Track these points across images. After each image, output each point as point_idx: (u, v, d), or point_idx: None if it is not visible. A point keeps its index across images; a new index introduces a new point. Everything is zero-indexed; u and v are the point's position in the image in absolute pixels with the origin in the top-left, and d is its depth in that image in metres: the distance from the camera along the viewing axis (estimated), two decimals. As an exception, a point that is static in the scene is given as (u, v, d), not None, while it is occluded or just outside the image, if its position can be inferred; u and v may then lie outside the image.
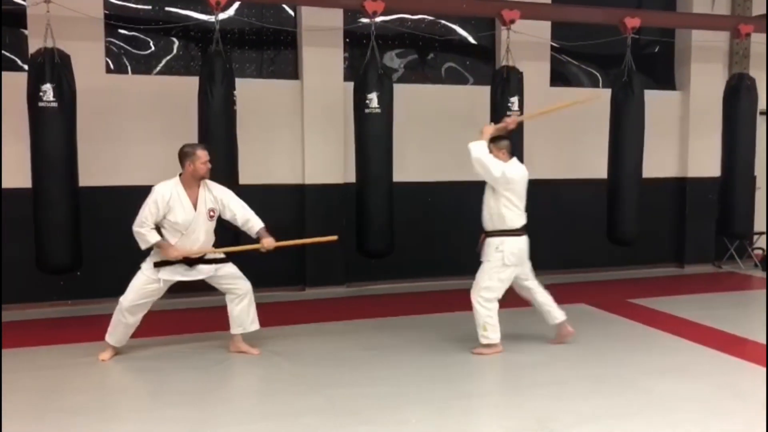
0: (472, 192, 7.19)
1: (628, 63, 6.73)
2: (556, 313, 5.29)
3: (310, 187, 7.31)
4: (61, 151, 5.48)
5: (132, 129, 6.78)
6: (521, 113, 6.37)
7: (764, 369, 4.64)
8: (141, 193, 6.76)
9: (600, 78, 8.77)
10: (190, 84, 6.00)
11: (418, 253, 7.63)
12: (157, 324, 6.09)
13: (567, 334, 5.33)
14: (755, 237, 8.80)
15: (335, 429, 3.83)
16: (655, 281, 8.13)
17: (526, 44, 7.06)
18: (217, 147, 5.61)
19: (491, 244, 5.09)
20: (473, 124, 7.15)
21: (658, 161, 8.23)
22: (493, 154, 5.06)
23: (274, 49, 7.57)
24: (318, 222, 7.36)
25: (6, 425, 3.84)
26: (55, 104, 5.38)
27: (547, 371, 4.77)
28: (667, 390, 4.38)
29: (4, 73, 6.40)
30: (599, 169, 7.21)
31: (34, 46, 5.75)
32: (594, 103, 6.00)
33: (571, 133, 8.20)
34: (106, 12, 6.74)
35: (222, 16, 6.02)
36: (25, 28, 6.42)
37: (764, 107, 8.18)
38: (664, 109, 8.44)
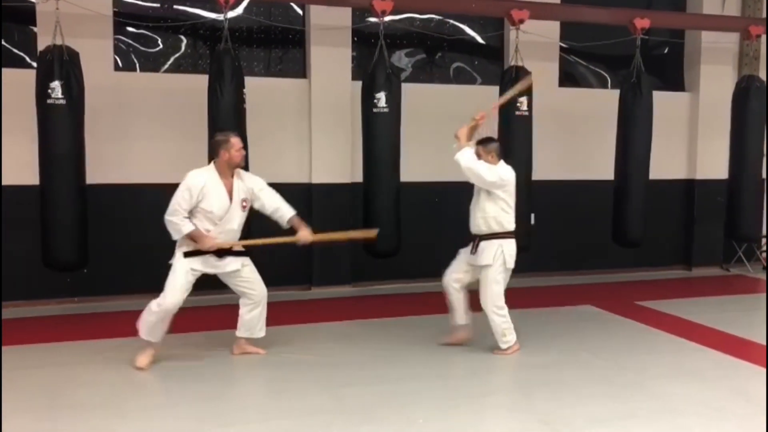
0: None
1: (637, 64, 6.70)
2: (459, 317, 5.21)
3: (317, 186, 7.30)
4: (69, 148, 5.49)
5: (140, 127, 6.79)
6: (530, 111, 6.34)
7: (773, 373, 4.62)
8: (148, 190, 6.85)
9: (609, 79, 8.73)
10: (199, 82, 6.00)
11: (425, 254, 7.61)
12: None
13: (463, 340, 5.26)
14: (764, 240, 8.75)
15: (343, 428, 3.82)
16: (663, 284, 8.09)
17: (535, 44, 7.04)
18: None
19: (489, 248, 4.98)
20: (481, 125, 7.18)
21: (667, 163, 8.19)
22: (482, 158, 4.98)
23: (282, 47, 7.57)
24: (325, 222, 7.32)
25: (14, 421, 3.85)
26: (63, 101, 5.39)
27: (555, 373, 4.75)
28: (675, 393, 4.36)
29: (13, 70, 6.43)
30: (607, 171, 7.18)
31: (43, 43, 5.76)
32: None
33: (578, 134, 8.17)
34: (115, 9, 6.74)
35: (230, 14, 6.02)
36: (35, 25, 6.43)
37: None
38: (673, 111, 8.40)
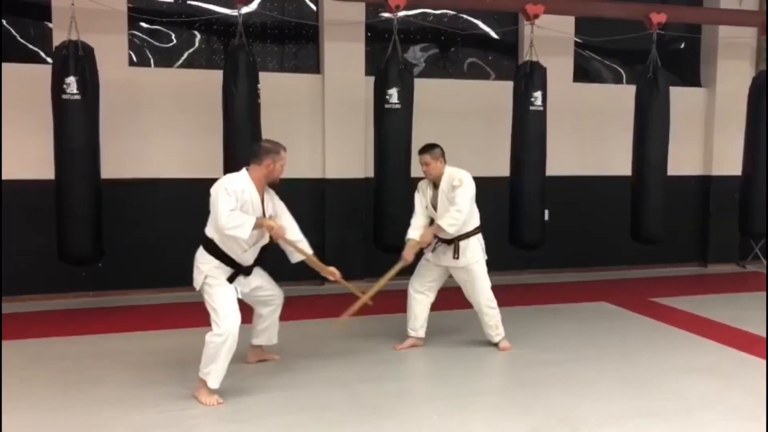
0: (492, 188, 7.17)
1: (653, 59, 6.63)
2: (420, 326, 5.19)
3: (331, 181, 7.30)
4: (84, 143, 5.51)
5: (154, 122, 6.81)
6: (544, 107, 6.31)
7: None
8: (163, 185, 6.90)
9: (624, 74, 8.66)
10: (212, 77, 6.01)
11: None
12: (180, 316, 6.14)
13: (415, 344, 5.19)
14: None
15: (357, 424, 3.83)
16: (678, 280, 8.04)
17: (550, 39, 6.99)
18: (241, 141, 5.62)
19: (471, 246, 4.94)
20: (495, 120, 7.16)
21: (683, 159, 8.12)
22: (431, 165, 4.91)
23: (296, 43, 7.56)
24: (338, 216, 7.36)
25: (34, 414, 3.90)
26: (78, 97, 5.41)
27: (569, 370, 4.73)
28: (692, 391, 4.32)
29: (28, 66, 6.48)
30: (621, 167, 7.13)
31: (58, 38, 5.79)
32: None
33: (595, 130, 8.11)
34: (130, 5, 6.76)
35: (244, 9, 6.02)
36: (50, 21, 6.47)
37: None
38: (689, 106, 8.32)
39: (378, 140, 6.19)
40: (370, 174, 6.52)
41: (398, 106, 5.99)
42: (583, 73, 8.35)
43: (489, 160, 7.37)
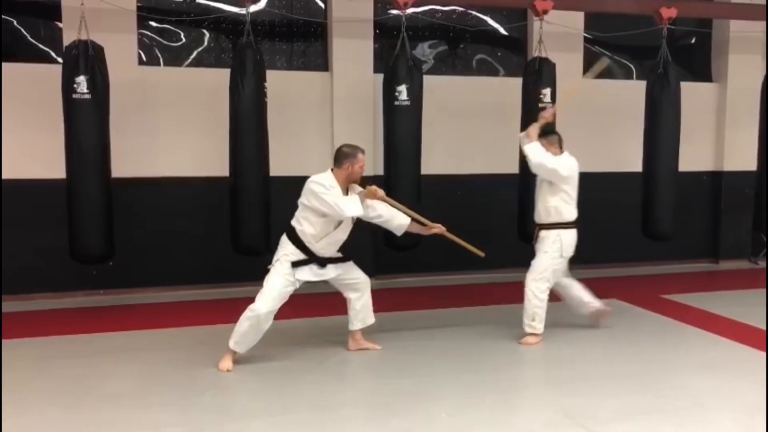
0: (502, 185, 7.18)
1: (663, 54, 6.59)
2: (590, 303, 5.40)
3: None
4: (95, 142, 5.54)
5: (163, 120, 6.84)
6: (553, 104, 6.28)
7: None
8: (173, 183, 6.92)
9: (634, 69, 8.61)
10: (221, 76, 6.02)
11: (446, 247, 7.56)
12: (190, 314, 6.17)
13: (604, 315, 5.45)
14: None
15: (367, 421, 3.83)
16: (689, 277, 7.99)
17: (559, 35, 6.96)
18: (248, 139, 5.65)
19: (548, 236, 5.17)
20: (504, 117, 7.13)
21: (694, 154, 8.07)
22: (553, 148, 5.16)
23: (304, 40, 7.57)
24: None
25: (45, 411, 3.92)
26: (88, 96, 5.44)
27: (579, 366, 4.71)
28: (703, 388, 4.30)
29: (39, 66, 6.52)
30: (632, 163, 7.09)
31: (68, 38, 5.82)
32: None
33: (605, 126, 8.07)
34: (139, 4, 6.79)
35: (253, 8, 6.03)
36: (60, 20, 6.50)
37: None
38: (701, 101, 8.26)
39: (387, 137, 6.18)
40: (380, 171, 6.52)
41: (408, 103, 5.99)
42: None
43: (498, 156, 7.36)
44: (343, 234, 4.77)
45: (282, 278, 4.61)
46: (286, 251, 4.66)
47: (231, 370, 4.55)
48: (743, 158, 8.26)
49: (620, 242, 8.09)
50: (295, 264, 4.63)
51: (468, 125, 7.60)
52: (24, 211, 6.45)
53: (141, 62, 6.92)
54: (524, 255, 7.38)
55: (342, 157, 4.69)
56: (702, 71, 8.69)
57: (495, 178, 7.59)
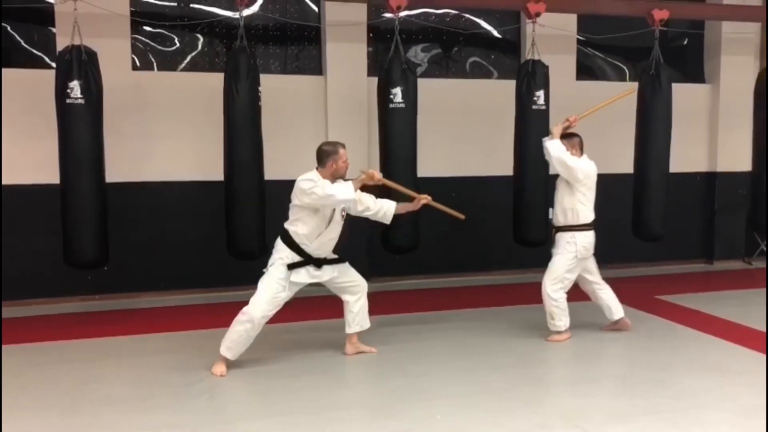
0: (497, 187, 7.19)
1: (655, 56, 6.61)
2: (615, 310, 5.49)
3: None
4: (89, 147, 5.53)
5: (157, 125, 6.84)
6: (547, 105, 6.30)
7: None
8: (167, 188, 6.91)
9: (627, 71, 8.64)
10: (215, 80, 6.02)
11: (443, 249, 7.60)
12: (186, 319, 6.16)
13: (625, 326, 5.52)
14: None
15: (364, 423, 3.84)
16: (684, 278, 8.02)
17: (552, 37, 6.98)
18: (242, 143, 5.64)
19: (563, 238, 5.28)
20: (498, 119, 7.15)
21: (687, 155, 8.10)
22: (574, 150, 5.29)
23: (298, 44, 7.58)
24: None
25: (41, 416, 3.92)
26: (82, 101, 5.43)
27: (575, 368, 4.73)
28: (699, 388, 4.31)
29: (32, 71, 6.50)
30: (625, 164, 7.11)
31: (61, 43, 5.82)
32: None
33: (597, 127, 8.04)
34: (132, 9, 6.79)
35: (246, 12, 6.03)
36: (53, 25, 6.50)
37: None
38: (693, 103, 8.30)
39: (383, 140, 6.19)
40: (375, 174, 6.51)
41: (402, 105, 6.00)
42: (585, 71, 8.34)
43: (492, 158, 7.38)
44: (335, 232, 4.77)
45: (276, 283, 4.59)
46: (281, 255, 4.65)
47: (225, 375, 4.55)
48: (736, 159, 8.31)
49: (615, 243, 8.08)
50: (291, 266, 4.63)
51: (462, 127, 7.62)
52: (19, 216, 6.43)
53: (135, 67, 6.92)
54: (519, 257, 7.45)
55: (324, 155, 4.69)
56: (695, 72, 8.73)
57: (490, 180, 7.61)
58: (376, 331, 5.59)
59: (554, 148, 5.23)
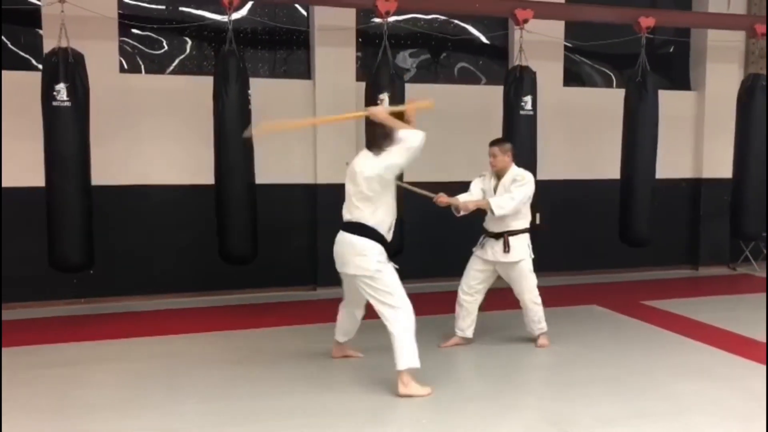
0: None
1: (642, 63, 6.68)
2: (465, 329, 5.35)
3: (323, 186, 7.29)
4: (75, 150, 5.50)
5: (145, 128, 6.81)
6: (534, 111, 6.32)
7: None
8: (154, 191, 6.89)
9: (614, 78, 8.71)
10: (203, 83, 6.01)
11: (429, 253, 7.61)
12: (172, 322, 6.12)
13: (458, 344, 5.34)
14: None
15: (353, 428, 3.83)
16: (669, 283, 8.06)
17: (540, 44, 7.02)
18: (232, 146, 5.63)
19: (520, 243, 5.14)
20: (485, 125, 7.17)
21: (673, 162, 8.16)
22: (506, 157, 5.19)
23: (287, 48, 7.58)
24: (330, 221, 7.32)
25: (22, 421, 3.87)
26: (68, 103, 5.40)
27: (560, 373, 4.74)
28: (684, 393, 4.34)
29: (18, 73, 6.46)
30: (612, 170, 7.16)
31: (48, 45, 5.78)
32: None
33: (583, 134, 8.15)
34: (120, 12, 6.76)
35: (235, 15, 6.03)
36: (40, 27, 6.46)
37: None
38: (679, 110, 8.37)
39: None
40: (362, 179, 6.52)
41: (390, 110, 6.00)
42: (573, 77, 8.40)
43: (480, 163, 7.36)
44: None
45: (394, 272, 4.41)
46: (378, 257, 4.37)
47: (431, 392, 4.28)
48: (721, 166, 8.36)
49: (600, 249, 8.16)
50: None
51: (450, 133, 7.63)
52: (2, 219, 6.37)
53: (122, 70, 6.89)
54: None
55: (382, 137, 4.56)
56: (681, 80, 8.81)
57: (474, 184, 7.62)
58: (362, 335, 5.59)
59: (501, 207, 5.01)
